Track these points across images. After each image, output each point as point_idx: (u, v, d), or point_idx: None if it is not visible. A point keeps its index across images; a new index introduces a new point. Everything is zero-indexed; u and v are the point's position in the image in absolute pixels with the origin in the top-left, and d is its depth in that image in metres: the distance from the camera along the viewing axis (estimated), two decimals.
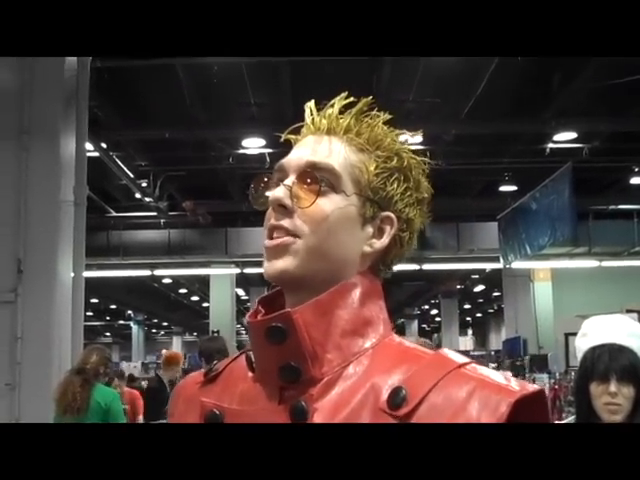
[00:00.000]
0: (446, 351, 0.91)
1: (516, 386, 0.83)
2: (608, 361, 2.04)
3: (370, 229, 0.95)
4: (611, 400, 2.02)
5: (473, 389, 0.82)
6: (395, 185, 0.96)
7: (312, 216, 0.91)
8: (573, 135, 10.42)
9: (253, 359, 0.95)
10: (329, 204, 0.92)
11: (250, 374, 0.95)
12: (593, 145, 10.69)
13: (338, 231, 0.92)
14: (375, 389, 0.86)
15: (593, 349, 2.11)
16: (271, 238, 0.93)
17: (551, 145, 10.60)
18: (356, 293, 0.93)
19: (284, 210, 0.92)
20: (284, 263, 0.91)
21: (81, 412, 4.54)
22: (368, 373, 0.89)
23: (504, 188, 13.27)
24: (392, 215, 0.96)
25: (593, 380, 2.06)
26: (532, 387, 0.83)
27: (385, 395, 0.85)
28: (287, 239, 0.91)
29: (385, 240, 0.96)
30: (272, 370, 0.90)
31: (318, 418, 0.86)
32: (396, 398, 0.84)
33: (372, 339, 0.93)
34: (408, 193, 0.98)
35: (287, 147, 1.00)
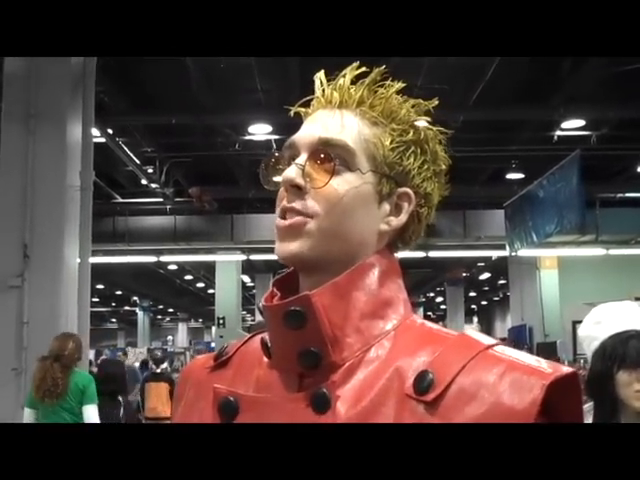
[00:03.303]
0: (471, 332, 0.87)
1: (549, 368, 0.78)
2: (638, 348, 1.99)
3: (387, 206, 0.91)
4: None
5: (503, 371, 0.78)
6: (412, 159, 0.92)
7: (326, 197, 0.87)
8: (581, 122, 10.38)
9: (269, 344, 0.90)
10: (344, 183, 0.87)
11: (265, 359, 0.91)
12: (601, 133, 10.64)
13: (354, 211, 0.88)
14: (400, 373, 0.82)
15: (618, 335, 2.05)
16: (284, 219, 0.89)
17: (559, 132, 10.56)
18: (374, 273, 0.89)
19: (297, 190, 0.88)
20: (296, 245, 0.87)
21: (60, 397, 4.78)
22: (391, 356, 0.84)
23: (511, 175, 13.23)
24: (409, 191, 0.91)
25: (622, 368, 1.99)
26: (566, 369, 0.79)
27: (411, 379, 0.81)
28: (299, 219, 0.87)
29: (403, 217, 0.91)
30: (291, 356, 0.85)
31: (341, 405, 0.81)
32: (422, 382, 0.80)
33: (393, 320, 0.88)
34: (425, 166, 0.93)
35: (294, 132, 0.96)
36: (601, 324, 2.13)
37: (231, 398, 0.88)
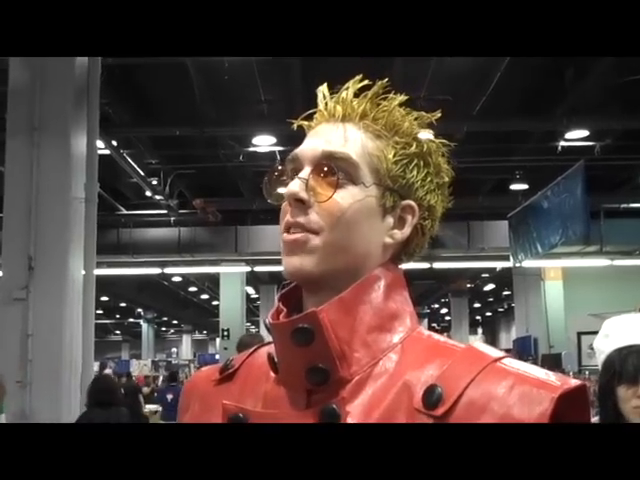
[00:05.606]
0: (478, 345, 0.86)
1: (557, 380, 0.78)
2: (637, 363, 1.97)
3: (390, 220, 0.91)
4: None
5: (512, 384, 0.78)
6: (415, 172, 0.92)
7: (330, 211, 0.87)
8: (585, 133, 10.36)
9: (276, 359, 0.90)
10: (347, 197, 0.88)
11: (272, 374, 0.91)
12: (605, 143, 10.63)
13: (358, 225, 0.88)
14: (408, 387, 0.82)
15: (619, 351, 2.03)
16: (288, 233, 0.89)
17: (563, 143, 10.54)
18: (380, 286, 0.89)
19: (300, 205, 0.88)
20: (302, 261, 0.87)
21: None
22: (399, 370, 0.85)
23: (515, 186, 13.20)
24: (413, 204, 0.92)
25: (621, 383, 1.98)
26: (574, 382, 0.79)
27: (419, 394, 0.81)
28: (304, 235, 0.87)
29: (407, 230, 0.92)
30: (299, 372, 0.86)
31: (351, 421, 0.82)
32: (431, 396, 0.80)
33: (400, 333, 0.89)
34: (429, 179, 0.93)
35: (298, 144, 0.96)
36: (609, 337, 2.11)
37: (240, 415, 0.88)
